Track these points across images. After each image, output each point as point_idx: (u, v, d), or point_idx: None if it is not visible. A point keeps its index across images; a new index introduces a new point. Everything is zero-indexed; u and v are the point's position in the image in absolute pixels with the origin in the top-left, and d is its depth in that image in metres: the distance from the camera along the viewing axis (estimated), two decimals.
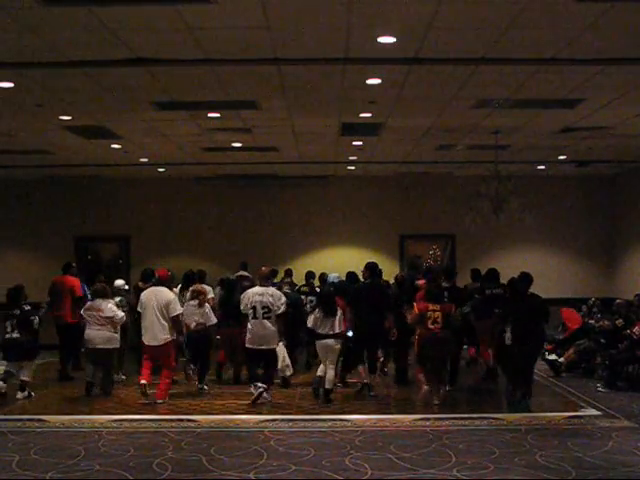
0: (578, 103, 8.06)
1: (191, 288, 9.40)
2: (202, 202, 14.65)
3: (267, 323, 8.31)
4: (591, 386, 9.25)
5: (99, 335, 8.81)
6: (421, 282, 9.54)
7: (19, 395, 8.60)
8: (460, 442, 6.60)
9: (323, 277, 10.83)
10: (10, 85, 7.08)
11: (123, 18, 5.28)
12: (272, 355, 8.52)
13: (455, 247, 14.62)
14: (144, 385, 8.23)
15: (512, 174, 11.11)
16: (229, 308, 9.24)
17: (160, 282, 8.77)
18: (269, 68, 6.62)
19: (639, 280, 12.77)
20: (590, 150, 11.36)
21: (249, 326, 8.33)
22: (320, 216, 14.55)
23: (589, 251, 14.54)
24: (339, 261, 13.19)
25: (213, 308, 9.48)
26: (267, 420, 7.53)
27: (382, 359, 9.99)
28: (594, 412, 7.84)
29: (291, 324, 9.32)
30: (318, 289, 10.41)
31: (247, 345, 8.39)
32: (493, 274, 10.03)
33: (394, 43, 5.88)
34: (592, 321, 10.76)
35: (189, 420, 7.55)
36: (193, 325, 8.96)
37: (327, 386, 8.35)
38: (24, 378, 8.65)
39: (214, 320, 9.10)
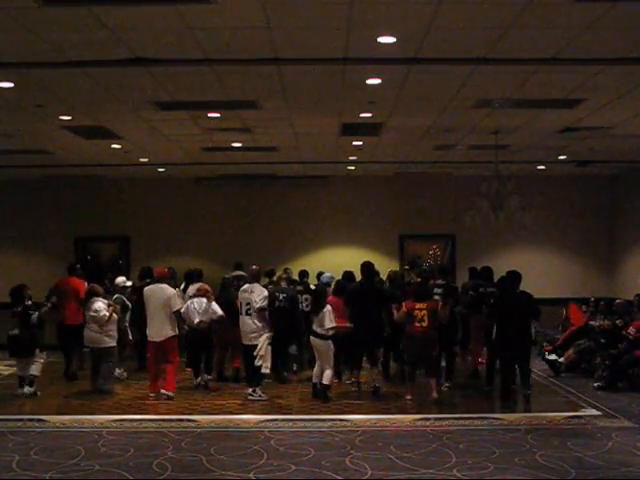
0: (578, 103, 8.05)
1: (196, 287, 9.49)
2: (202, 202, 14.64)
3: (248, 319, 8.53)
4: (591, 386, 9.26)
5: (88, 334, 9.03)
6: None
7: (26, 390, 8.67)
8: (460, 442, 6.61)
9: (319, 275, 10.89)
10: (10, 85, 7.07)
11: (123, 18, 5.27)
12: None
13: (455, 247, 14.61)
14: (154, 396, 8.51)
15: (512, 174, 11.11)
16: (222, 307, 9.27)
17: (158, 279, 8.83)
18: (269, 68, 6.62)
19: (639, 280, 12.77)
20: (590, 150, 11.35)
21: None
22: (320, 216, 14.54)
23: (589, 251, 14.53)
24: (339, 261, 13.17)
25: None
26: (267, 420, 7.53)
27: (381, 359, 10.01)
28: (594, 412, 7.85)
29: (285, 320, 9.38)
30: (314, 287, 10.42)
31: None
32: (487, 272, 10.19)
33: (394, 43, 5.88)
34: (592, 322, 10.76)
35: (189, 420, 7.56)
36: (196, 322, 8.96)
37: (324, 381, 8.42)
38: (34, 373, 8.77)
39: (220, 312, 9.10)
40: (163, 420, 7.60)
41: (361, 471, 5.77)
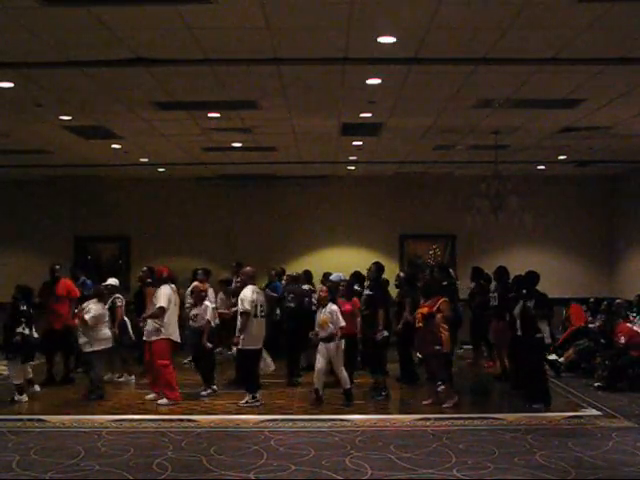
0: (578, 103, 8.05)
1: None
2: (202, 202, 14.64)
3: (262, 322, 8.45)
4: (591, 386, 9.26)
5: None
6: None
7: (31, 391, 8.66)
8: (460, 442, 6.60)
9: (326, 277, 10.81)
10: (10, 85, 7.07)
11: (123, 18, 5.27)
12: (239, 355, 8.50)
13: (455, 247, 14.61)
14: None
15: (512, 174, 11.11)
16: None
17: (168, 280, 8.73)
18: (269, 68, 6.62)
19: (639, 280, 12.77)
20: (590, 150, 11.35)
21: None
22: (320, 216, 14.54)
23: (589, 251, 14.53)
24: (339, 261, 13.18)
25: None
26: (267, 420, 7.53)
27: None
28: (594, 412, 7.85)
29: (294, 322, 9.36)
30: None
31: None
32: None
33: (394, 43, 5.88)
34: (592, 325, 10.76)
35: (189, 420, 7.56)
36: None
37: (346, 386, 8.33)
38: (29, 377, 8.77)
39: (207, 317, 8.98)
40: (163, 420, 7.60)
41: (361, 471, 5.77)
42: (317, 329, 8.34)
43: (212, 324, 9.05)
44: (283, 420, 7.54)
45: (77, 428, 7.27)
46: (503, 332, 9.25)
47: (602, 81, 7.05)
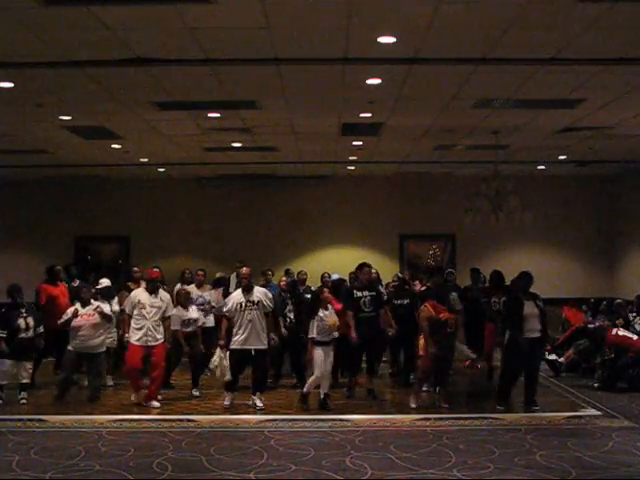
0: (578, 103, 8.06)
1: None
2: (202, 202, 14.65)
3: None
4: (591, 386, 9.26)
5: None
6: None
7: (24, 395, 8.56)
8: (460, 442, 6.59)
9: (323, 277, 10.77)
10: (10, 85, 7.08)
11: (123, 18, 5.28)
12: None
13: (455, 247, 14.62)
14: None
15: (512, 174, 11.11)
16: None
17: (159, 282, 8.71)
18: (269, 68, 6.62)
19: (639, 280, 12.76)
20: (590, 150, 11.35)
21: None
22: (320, 216, 14.55)
23: (589, 251, 14.54)
24: (339, 261, 13.18)
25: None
26: (267, 420, 7.52)
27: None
28: (594, 412, 7.84)
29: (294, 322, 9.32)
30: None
31: None
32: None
33: (394, 43, 5.88)
34: (592, 325, 10.74)
35: (189, 420, 7.55)
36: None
37: (326, 390, 8.08)
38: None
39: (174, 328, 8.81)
40: (163, 420, 7.58)
41: (361, 471, 5.77)
42: (325, 330, 7.97)
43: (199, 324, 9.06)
44: (283, 420, 7.53)
45: (77, 428, 7.26)
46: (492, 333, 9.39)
47: (602, 81, 7.05)
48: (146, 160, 12.30)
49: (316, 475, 5.68)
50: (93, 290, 9.09)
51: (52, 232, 14.40)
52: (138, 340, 8.17)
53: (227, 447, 6.48)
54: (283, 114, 8.64)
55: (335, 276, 10.24)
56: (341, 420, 7.51)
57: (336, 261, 13.37)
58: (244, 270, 8.28)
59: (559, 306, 12.16)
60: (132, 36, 5.71)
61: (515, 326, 7.92)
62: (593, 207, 14.56)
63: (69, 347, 8.59)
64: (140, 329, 8.17)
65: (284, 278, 10.04)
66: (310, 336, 7.99)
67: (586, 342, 10.22)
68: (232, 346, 8.04)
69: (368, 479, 5.61)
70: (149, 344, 8.16)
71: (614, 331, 9.34)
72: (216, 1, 4.94)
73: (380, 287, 9.80)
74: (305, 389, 8.09)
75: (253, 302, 8.04)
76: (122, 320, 8.77)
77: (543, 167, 13.36)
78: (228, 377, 8.12)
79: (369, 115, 8.76)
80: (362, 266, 8.84)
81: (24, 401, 8.42)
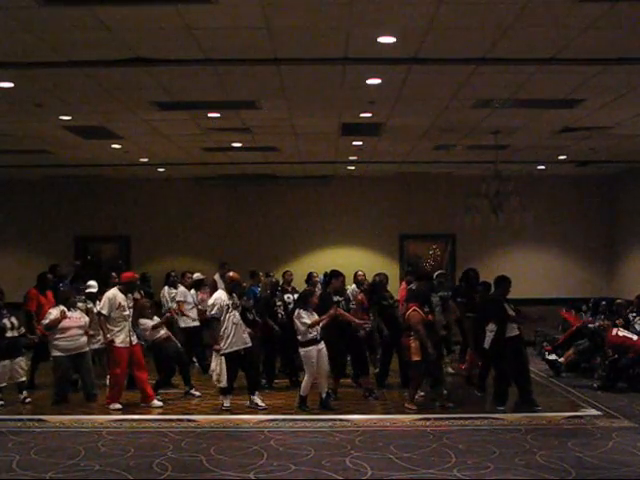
0: (578, 103, 8.05)
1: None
2: (202, 202, 14.64)
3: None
4: (591, 386, 9.26)
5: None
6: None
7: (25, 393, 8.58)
8: (460, 442, 6.60)
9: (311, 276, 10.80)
10: (10, 85, 7.07)
11: (123, 18, 5.27)
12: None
13: (455, 247, 14.61)
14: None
15: (512, 174, 11.10)
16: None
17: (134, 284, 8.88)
18: (269, 68, 6.62)
19: (639, 280, 12.76)
20: (590, 150, 11.35)
21: None
22: (320, 216, 14.54)
23: (589, 251, 14.53)
24: (339, 261, 13.14)
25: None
26: (267, 420, 7.54)
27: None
28: (594, 412, 7.85)
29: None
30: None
31: None
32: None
33: (394, 43, 5.88)
34: (591, 325, 10.75)
35: (189, 420, 7.56)
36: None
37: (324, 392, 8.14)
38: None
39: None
40: (163, 420, 7.60)
41: (361, 471, 5.77)
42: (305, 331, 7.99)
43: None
44: (283, 420, 7.54)
45: (77, 428, 7.28)
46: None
47: (602, 81, 7.05)
48: (146, 160, 12.29)
49: (316, 475, 5.68)
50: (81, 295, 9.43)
51: (52, 232, 14.39)
52: (122, 342, 8.27)
53: (227, 447, 6.49)
54: (283, 114, 8.64)
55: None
56: (341, 420, 7.52)
57: (336, 261, 13.35)
58: (232, 273, 8.49)
59: (559, 306, 12.19)
60: (132, 36, 5.71)
61: (499, 329, 8.13)
62: (593, 207, 14.55)
63: (55, 354, 8.54)
64: (122, 330, 8.29)
65: (264, 279, 10.55)
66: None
67: (586, 342, 10.22)
68: (225, 351, 8.04)
69: (368, 479, 5.62)
70: (133, 344, 8.38)
71: (614, 332, 9.35)
72: (216, 1, 4.93)
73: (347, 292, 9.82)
74: (302, 392, 8.10)
75: (236, 304, 8.22)
76: (100, 321, 8.42)
77: (543, 167, 13.35)
78: (223, 384, 8.13)
79: (369, 115, 8.76)
80: (338, 275, 9.06)
81: (28, 400, 8.45)
